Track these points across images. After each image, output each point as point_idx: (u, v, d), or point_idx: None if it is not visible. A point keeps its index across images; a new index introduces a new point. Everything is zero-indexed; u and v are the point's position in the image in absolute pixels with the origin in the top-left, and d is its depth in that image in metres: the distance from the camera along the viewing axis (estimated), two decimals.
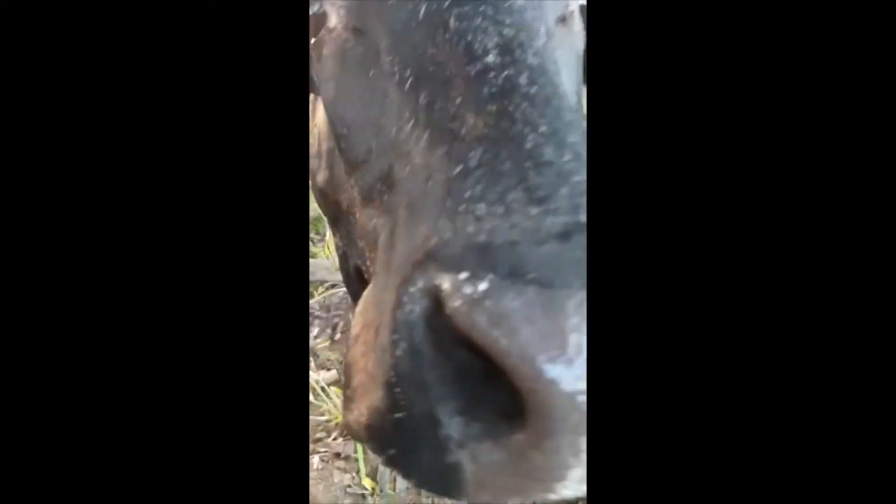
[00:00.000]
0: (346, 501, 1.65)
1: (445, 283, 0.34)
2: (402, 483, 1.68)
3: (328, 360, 2.22)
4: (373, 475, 1.71)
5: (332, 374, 2.14)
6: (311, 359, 2.23)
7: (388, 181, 0.53)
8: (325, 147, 0.81)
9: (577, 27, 0.73)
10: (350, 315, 2.43)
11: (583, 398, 0.31)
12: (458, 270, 0.34)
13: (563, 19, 0.69)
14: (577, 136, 0.45)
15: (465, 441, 0.35)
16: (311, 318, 2.46)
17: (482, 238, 0.35)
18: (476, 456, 0.35)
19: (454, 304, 0.33)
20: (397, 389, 0.36)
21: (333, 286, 2.64)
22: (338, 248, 1.46)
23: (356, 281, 1.16)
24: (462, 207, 0.39)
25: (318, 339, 2.34)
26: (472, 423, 0.35)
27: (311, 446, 1.83)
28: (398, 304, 0.36)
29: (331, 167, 0.79)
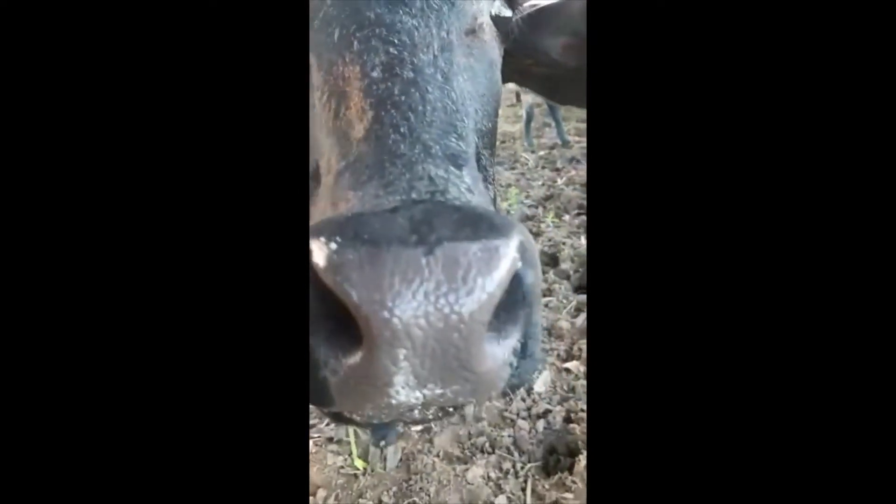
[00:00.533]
0: (340, 481, 1.74)
1: (314, 245, 0.45)
2: (391, 462, 1.78)
3: None
4: (364, 456, 1.80)
5: None
6: None
7: (316, 177, 0.64)
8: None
9: (488, 37, 0.82)
10: None
11: (397, 321, 0.42)
12: (321, 236, 0.44)
13: (472, 31, 0.79)
14: (435, 133, 0.55)
15: (328, 360, 0.46)
16: None
17: (342, 213, 0.48)
18: (335, 371, 0.46)
19: (315, 259, 0.44)
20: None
21: None
22: None
23: None
24: (340, 193, 0.52)
25: None
26: (332, 347, 0.46)
27: None
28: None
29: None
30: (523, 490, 1.69)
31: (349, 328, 0.43)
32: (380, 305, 0.41)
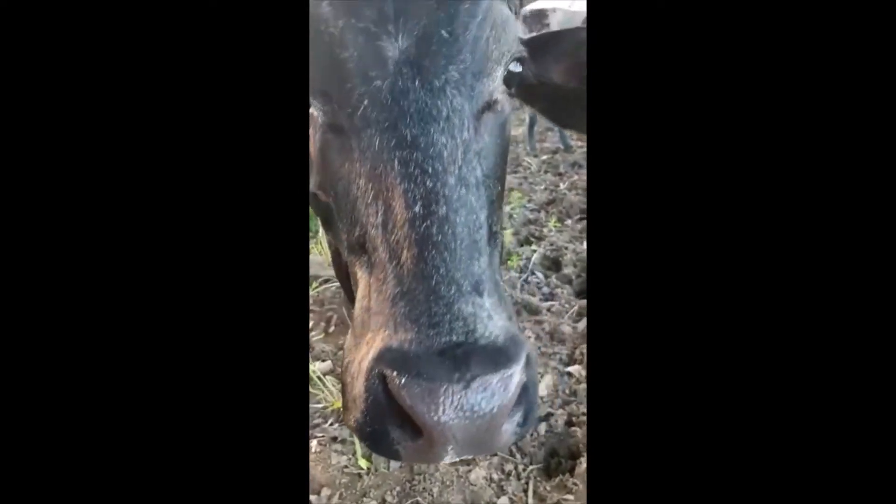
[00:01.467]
0: (344, 480, 1.76)
1: (387, 372, 0.67)
2: (395, 462, 1.80)
3: (323, 351, 2.31)
4: (368, 456, 1.81)
5: (328, 364, 2.23)
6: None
7: (364, 248, 0.80)
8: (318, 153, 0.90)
9: (501, 102, 0.89)
10: (343, 309, 2.52)
11: (448, 431, 0.64)
12: (393, 369, 0.66)
13: (488, 106, 0.86)
14: (464, 267, 0.72)
15: (400, 441, 0.69)
16: None
17: (405, 348, 0.67)
18: (405, 447, 0.69)
19: (391, 385, 0.66)
20: (367, 416, 0.70)
21: (326, 281, 2.74)
22: (330, 245, 1.56)
23: (348, 276, 1.27)
24: (399, 320, 0.69)
25: (313, 332, 2.43)
26: (403, 433, 0.68)
27: (310, 431, 1.93)
28: (366, 377, 0.69)
29: (323, 171, 0.90)
30: (525, 492, 1.71)
31: (412, 424, 0.66)
32: (437, 423, 0.64)
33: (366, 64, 0.79)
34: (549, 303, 2.63)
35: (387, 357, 0.67)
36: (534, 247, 3.16)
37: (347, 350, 0.78)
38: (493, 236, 0.82)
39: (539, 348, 2.30)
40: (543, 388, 2.09)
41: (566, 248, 3.13)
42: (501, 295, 0.77)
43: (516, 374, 0.67)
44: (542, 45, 1.01)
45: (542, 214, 3.68)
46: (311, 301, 2.65)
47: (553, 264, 3.01)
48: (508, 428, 0.70)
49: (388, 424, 0.68)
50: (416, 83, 0.78)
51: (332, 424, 1.96)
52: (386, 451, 0.71)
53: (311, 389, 2.08)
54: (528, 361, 0.70)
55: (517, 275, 2.85)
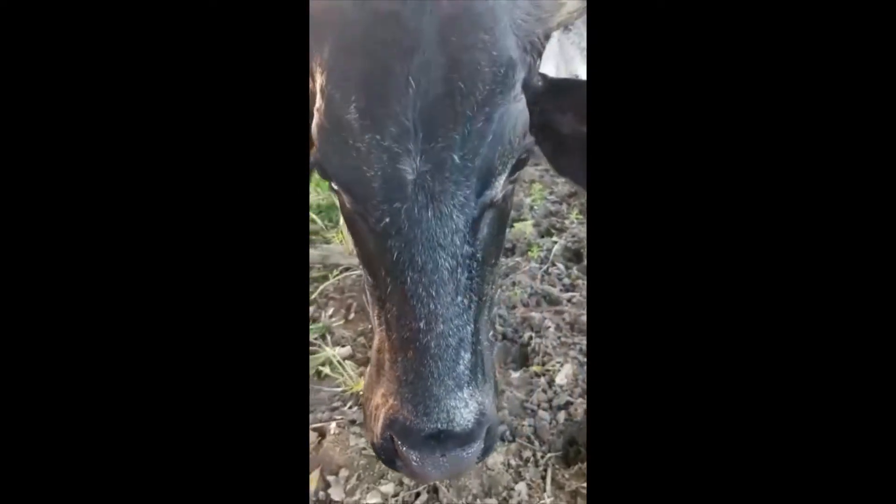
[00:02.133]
0: (362, 462, 1.77)
1: (394, 436, 0.94)
2: None
3: (343, 337, 2.32)
4: None
5: (347, 349, 2.25)
6: (327, 336, 2.34)
7: (383, 306, 0.96)
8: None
9: (505, 197, 0.98)
10: (363, 297, 2.54)
11: (431, 479, 1.22)
12: (398, 438, 0.93)
13: (490, 206, 0.94)
14: (452, 371, 0.91)
15: (401, 468, 0.97)
16: (326, 300, 2.57)
17: (407, 424, 0.91)
18: (405, 471, 0.96)
19: (397, 446, 0.94)
20: (382, 449, 0.97)
21: (347, 269, 2.75)
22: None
23: None
24: (404, 402, 0.92)
25: (333, 318, 2.45)
26: (404, 465, 0.95)
27: (329, 414, 1.94)
28: (381, 433, 0.96)
29: (351, 233, 1.02)
30: (543, 478, 1.70)
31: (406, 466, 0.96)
32: (423, 473, 0.93)
33: (389, 186, 0.87)
34: (570, 294, 2.61)
35: (395, 427, 0.93)
36: (555, 238, 3.13)
37: (368, 386, 1.04)
38: (483, 302, 0.98)
39: (559, 338, 2.28)
40: (563, 378, 2.08)
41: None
42: (480, 364, 0.96)
43: (477, 446, 0.94)
44: (551, 93, 1.01)
45: (564, 206, 3.64)
46: (332, 289, 2.67)
47: (574, 256, 2.98)
48: (472, 463, 0.97)
49: (394, 457, 0.96)
50: (429, 213, 0.88)
51: (350, 407, 1.97)
52: (393, 468, 1.00)
53: (330, 373, 2.10)
54: (488, 431, 0.95)
55: (538, 266, 2.83)
